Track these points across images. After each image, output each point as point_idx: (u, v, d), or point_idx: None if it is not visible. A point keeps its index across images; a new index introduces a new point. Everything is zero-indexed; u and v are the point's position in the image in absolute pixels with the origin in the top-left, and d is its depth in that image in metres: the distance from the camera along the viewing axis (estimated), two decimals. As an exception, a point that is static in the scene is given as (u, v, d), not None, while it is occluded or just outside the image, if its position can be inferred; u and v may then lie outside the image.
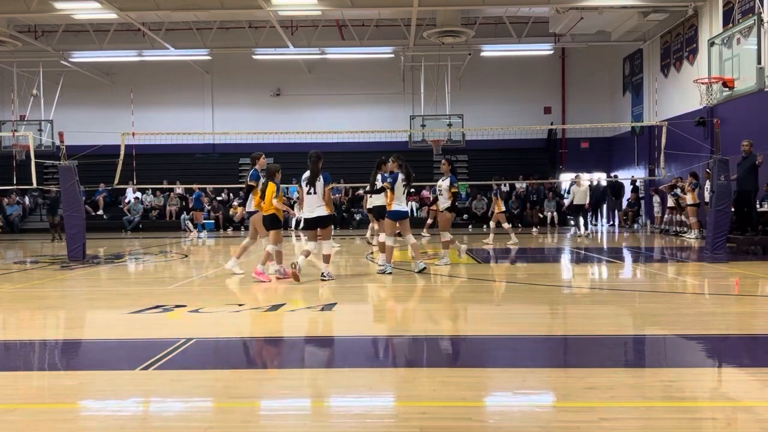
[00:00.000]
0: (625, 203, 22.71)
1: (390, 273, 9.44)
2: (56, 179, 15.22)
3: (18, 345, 5.53)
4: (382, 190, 9.71)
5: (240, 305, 6.94)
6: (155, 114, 25.87)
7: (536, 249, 14.94)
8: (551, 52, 24.10)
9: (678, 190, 17.69)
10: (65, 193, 12.07)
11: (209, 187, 23.66)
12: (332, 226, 9.31)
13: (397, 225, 9.65)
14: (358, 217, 21.94)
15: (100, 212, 24.18)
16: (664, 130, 13.95)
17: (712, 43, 12.96)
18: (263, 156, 9.80)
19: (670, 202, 18.11)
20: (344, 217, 22.38)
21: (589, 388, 3.89)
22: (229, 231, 22.75)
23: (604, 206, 24.41)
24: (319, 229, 9.01)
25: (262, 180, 9.42)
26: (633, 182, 22.31)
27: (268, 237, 9.15)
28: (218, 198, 24.34)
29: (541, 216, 23.19)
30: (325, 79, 26.34)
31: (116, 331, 5.77)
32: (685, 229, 17.05)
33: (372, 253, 12.58)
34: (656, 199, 19.99)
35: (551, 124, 25.22)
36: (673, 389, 3.88)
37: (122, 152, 13.89)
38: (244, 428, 3.38)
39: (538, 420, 3.42)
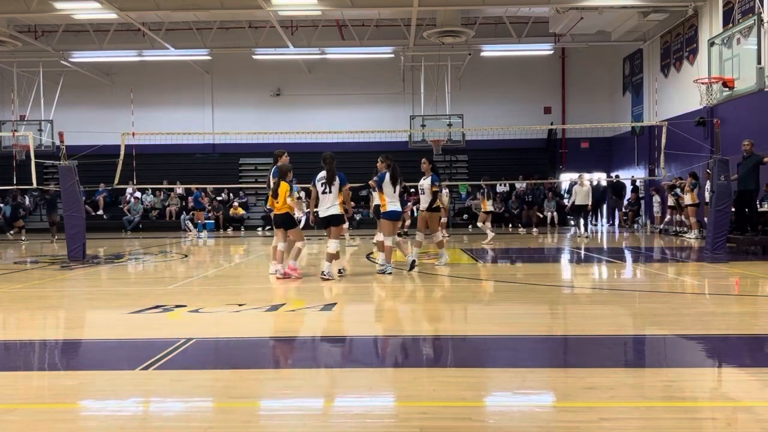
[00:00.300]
0: (625, 203, 22.71)
1: (390, 273, 9.44)
2: (56, 179, 15.22)
3: (18, 345, 5.53)
4: (366, 187, 9.76)
5: (240, 305, 6.93)
6: (155, 114, 25.87)
7: (536, 249, 14.95)
8: (551, 52, 24.10)
9: (678, 190, 17.69)
10: (65, 193, 12.07)
11: (209, 187, 23.66)
12: (342, 226, 9.51)
13: (396, 225, 9.67)
14: (358, 216, 21.95)
15: (100, 212, 24.18)
16: (664, 130, 13.95)
17: (712, 43, 12.96)
18: (286, 153, 9.76)
19: (670, 202, 18.11)
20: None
21: (589, 388, 3.89)
22: (230, 231, 22.75)
23: (605, 206, 24.41)
24: (331, 227, 9.23)
25: (274, 180, 9.49)
26: (633, 182, 22.31)
27: (292, 236, 9.30)
28: (218, 198, 24.34)
29: (540, 216, 23.18)
30: (325, 79, 26.34)
31: (116, 331, 5.77)
32: (685, 229, 17.05)
33: (372, 253, 12.58)
34: (656, 199, 19.98)
35: (551, 124, 25.23)
36: (673, 389, 3.88)
37: (122, 152, 13.89)
38: (244, 428, 3.38)
39: (538, 420, 3.42)
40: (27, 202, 22.17)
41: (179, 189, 24.21)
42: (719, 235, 11.46)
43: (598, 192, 22.02)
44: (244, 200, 24.48)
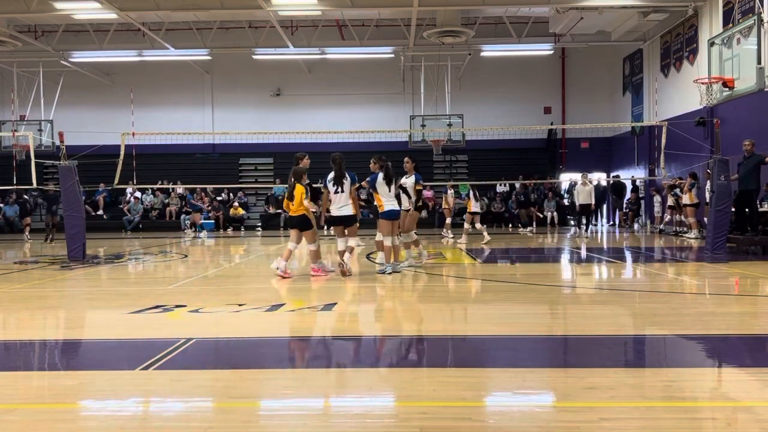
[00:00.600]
0: (625, 203, 22.72)
1: (390, 273, 9.45)
2: (56, 179, 15.22)
3: (18, 345, 5.53)
4: (360, 188, 9.79)
5: (240, 305, 6.93)
6: (155, 114, 25.87)
7: (536, 249, 14.95)
8: (551, 52, 24.10)
9: (678, 190, 17.70)
10: (65, 193, 12.07)
11: (209, 187, 23.66)
12: (357, 224, 9.66)
13: (395, 224, 9.68)
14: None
15: (100, 212, 24.17)
16: (664, 130, 13.95)
17: (712, 43, 12.96)
18: (306, 156, 9.79)
19: (670, 202, 18.11)
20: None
21: (589, 388, 3.89)
22: (229, 231, 22.75)
23: (605, 206, 24.42)
24: (345, 227, 9.43)
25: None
26: (633, 182, 22.32)
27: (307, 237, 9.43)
28: (218, 198, 24.35)
29: (540, 216, 23.19)
30: (325, 79, 26.34)
31: (116, 331, 5.77)
32: (685, 229, 17.05)
33: (372, 253, 12.59)
34: (656, 199, 19.99)
35: (551, 124, 25.23)
36: (673, 389, 3.88)
37: (122, 152, 13.89)
38: (244, 428, 3.38)
39: (538, 420, 3.42)
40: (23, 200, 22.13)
41: (179, 189, 24.21)
42: (719, 235, 11.46)
43: (598, 192, 22.04)
44: (244, 200, 24.49)
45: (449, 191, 17.93)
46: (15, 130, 21.73)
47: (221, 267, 11.68)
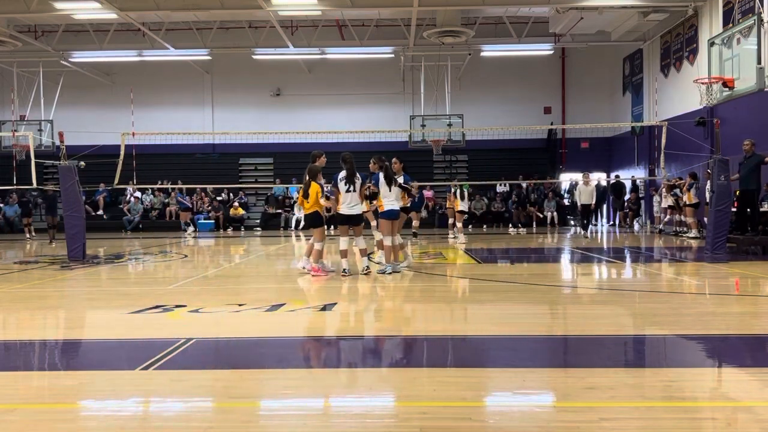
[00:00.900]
0: (625, 203, 22.71)
1: (390, 273, 9.45)
2: (56, 179, 15.21)
3: (18, 345, 5.53)
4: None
5: (240, 305, 6.93)
6: (155, 114, 25.87)
7: (536, 249, 14.95)
8: (551, 52, 24.10)
9: (678, 190, 17.70)
10: (65, 193, 12.06)
11: (209, 187, 23.66)
12: (363, 224, 9.79)
13: (395, 224, 9.69)
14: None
15: (100, 212, 24.17)
16: (664, 130, 13.95)
17: (712, 43, 12.96)
18: (324, 155, 9.81)
19: (670, 202, 18.11)
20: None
21: (589, 388, 3.89)
22: (229, 231, 22.75)
23: (604, 206, 24.41)
24: (354, 226, 9.55)
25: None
26: (633, 182, 22.32)
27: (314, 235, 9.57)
28: (218, 198, 24.35)
29: (540, 216, 23.19)
30: (325, 79, 26.34)
31: (116, 331, 5.77)
32: (685, 229, 17.05)
33: (372, 252, 12.58)
34: (657, 199, 19.98)
35: (551, 124, 25.23)
36: (673, 389, 3.88)
37: (122, 152, 13.89)
38: (244, 428, 3.38)
39: (538, 420, 3.42)
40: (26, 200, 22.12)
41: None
42: (719, 235, 11.47)
43: (598, 192, 22.03)
44: (244, 200, 24.49)
45: (454, 190, 17.86)
46: (15, 130, 21.73)
47: (221, 267, 11.68)
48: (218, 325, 6.01)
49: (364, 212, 9.71)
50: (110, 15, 18.69)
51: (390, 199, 9.58)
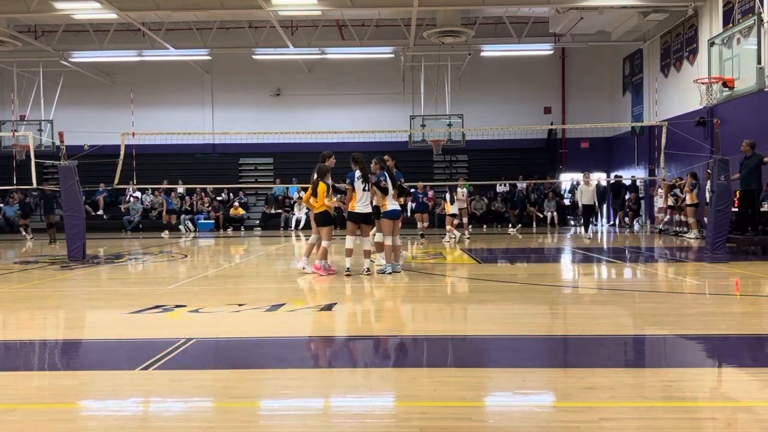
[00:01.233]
0: (625, 203, 22.70)
1: (390, 273, 9.45)
2: (56, 179, 15.20)
3: (18, 345, 5.53)
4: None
5: (240, 305, 6.94)
6: (155, 114, 25.86)
7: (536, 249, 14.95)
8: (551, 52, 24.10)
9: (678, 190, 17.69)
10: (65, 193, 12.06)
11: (209, 187, 23.66)
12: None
13: (396, 224, 9.71)
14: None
15: (100, 212, 24.16)
16: (664, 130, 13.96)
17: (712, 43, 12.96)
18: (333, 156, 9.85)
19: (670, 202, 18.11)
20: (344, 217, 22.34)
21: (589, 388, 3.89)
22: (229, 231, 22.75)
23: (604, 206, 24.40)
24: (363, 225, 9.54)
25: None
26: (633, 182, 22.32)
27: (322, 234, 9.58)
28: (218, 198, 24.34)
29: (540, 216, 23.18)
30: (325, 79, 26.33)
31: (116, 331, 5.77)
32: (685, 229, 17.05)
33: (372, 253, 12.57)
34: (657, 199, 19.97)
35: (551, 124, 25.23)
36: (673, 389, 3.88)
37: (122, 152, 13.89)
38: (244, 428, 3.38)
39: (538, 420, 3.42)
40: (28, 200, 22.13)
41: (180, 189, 24.19)
42: (719, 235, 11.46)
43: (598, 192, 22.03)
44: (244, 200, 24.49)
45: (459, 190, 17.87)
46: (15, 130, 21.73)
47: (221, 267, 11.68)
48: (218, 325, 6.01)
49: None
50: (110, 15, 18.69)
51: (391, 199, 9.62)
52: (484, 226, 22.43)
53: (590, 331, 5.52)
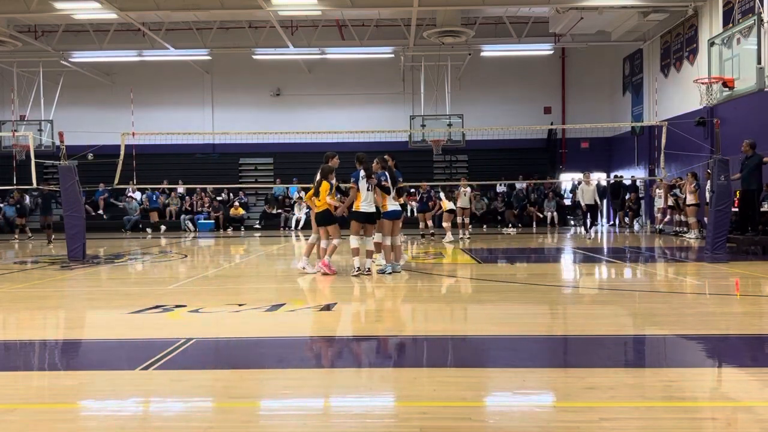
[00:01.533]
0: (625, 203, 22.70)
1: (390, 273, 9.45)
2: (56, 179, 15.19)
3: (18, 345, 5.53)
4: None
5: (240, 305, 6.94)
6: (155, 114, 25.86)
7: (536, 249, 14.95)
8: (551, 52, 24.10)
9: (677, 190, 17.69)
10: (65, 193, 12.07)
11: (209, 187, 23.65)
12: (376, 224, 9.77)
13: (396, 224, 9.72)
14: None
15: (100, 212, 24.14)
16: (664, 130, 13.95)
17: (712, 43, 12.96)
18: (336, 156, 9.86)
19: (670, 202, 18.11)
20: (344, 216, 22.34)
21: (589, 388, 3.89)
22: (229, 231, 22.74)
23: (604, 206, 24.39)
24: (368, 225, 9.49)
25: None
26: (633, 182, 22.32)
27: (328, 232, 9.59)
28: (218, 198, 24.34)
29: (540, 216, 23.18)
30: (325, 79, 26.33)
31: (116, 331, 5.77)
32: (685, 229, 17.05)
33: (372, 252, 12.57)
34: (656, 199, 19.96)
35: (551, 124, 25.23)
36: (673, 389, 3.88)
37: (122, 152, 13.89)
38: (244, 428, 3.38)
39: (538, 420, 3.42)
40: (27, 200, 22.11)
41: (180, 189, 24.20)
42: (719, 235, 11.46)
43: (598, 191, 22.02)
44: (244, 200, 24.49)
45: (462, 189, 17.88)
46: (15, 130, 21.72)
47: (221, 267, 11.68)
48: (218, 325, 6.01)
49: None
50: (110, 15, 18.69)
51: (391, 200, 9.62)
52: (484, 226, 22.43)
53: (590, 331, 5.52)
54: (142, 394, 3.98)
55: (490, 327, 5.83)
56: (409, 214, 18.66)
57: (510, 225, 21.91)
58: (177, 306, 6.85)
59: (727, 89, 12.25)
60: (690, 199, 16.42)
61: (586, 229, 17.48)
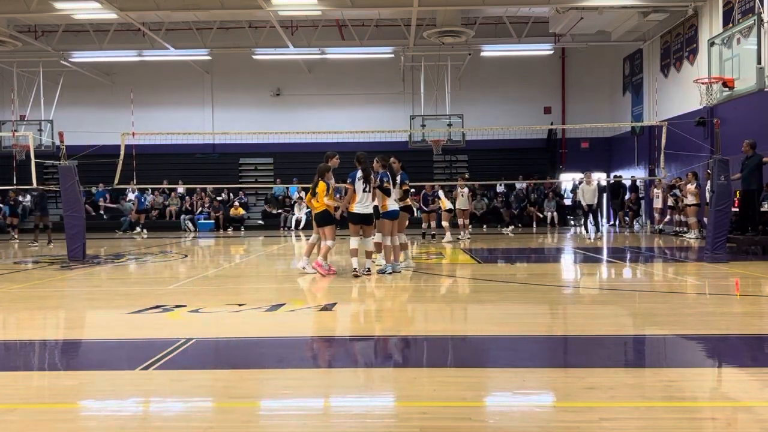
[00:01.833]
0: (625, 203, 22.70)
1: (390, 273, 9.45)
2: (56, 179, 15.16)
3: (18, 345, 5.53)
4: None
5: (240, 305, 6.94)
6: (155, 114, 25.86)
7: (536, 249, 14.94)
8: (551, 52, 24.10)
9: (677, 190, 17.68)
10: (65, 193, 12.07)
11: (209, 187, 23.66)
12: (374, 224, 9.73)
13: (395, 224, 9.71)
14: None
15: (101, 212, 24.13)
16: (664, 130, 13.95)
17: (712, 43, 12.95)
18: (337, 156, 9.83)
19: (670, 202, 18.10)
20: (344, 217, 22.34)
21: (589, 388, 3.89)
22: (230, 231, 22.74)
23: (604, 206, 24.40)
24: (365, 226, 9.45)
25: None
26: (633, 182, 22.32)
27: (325, 233, 9.53)
28: (218, 198, 24.35)
29: (540, 216, 23.18)
30: (325, 79, 26.33)
31: (116, 331, 5.77)
32: (685, 229, 17.05)
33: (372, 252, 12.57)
34: (655, 199, 19.96)
35: (551, 124, 25.23)
36: (673, 389, 3.88)
37: (122, 152, 13.89)
38: (244, 428, 3.38)
39: (538, 420, 3.42)
40: (28, 200, 22.07)
41: (180, 189, 24.20)
42: (719, 235, 11.45)
43: (600, 191, 22.02)
44: (244, 200, 24.49)
45: (459, 190, 17.88)
46: (15, 130, 21.72)
47: (221, 267, 11.68)
48: (218, 325, 6.01)
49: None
50: (110, 15, 18.69)
51: (391, 200, 9.60)
52: (484, 226, 22.43)
53: (590, 331, 5.52)
54: (142, 394, 3.98)
55: (490, 327, 5.83)
56: (416, 214, 18.64)
57: (509, 225, 21.88)
58: (177, 306, 6.86)
59: (727, 89, 12.25)
60: (690, 199, 16.42)
61: (586, 230, 17.44)
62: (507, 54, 23.96)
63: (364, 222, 9.41)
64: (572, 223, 23.87)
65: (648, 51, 21.75)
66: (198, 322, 6.10)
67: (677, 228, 17.75)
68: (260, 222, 23.66)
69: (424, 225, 17.55)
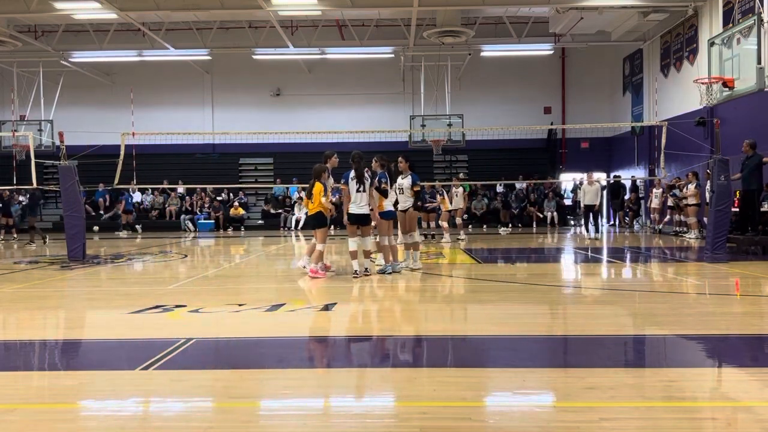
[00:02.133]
0: (625, 203, 22.70)
1: (390, 273, 9.45)
2: (56, 179, 15.16)
3: (18, 345, 5.53)
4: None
5: (240, 305, 6.94)
6: (155, 114, 25.86)
7: (536, 249, 14.94)
8: (551, 52, 24.10)
9: (677, 191, 17.68)
10: (65, 193, 12.07)
11: (209, 187, 23.66)
12: (372, 225, 9.66)
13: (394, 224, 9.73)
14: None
15: (101, 212, 24.12)
16: (664, 130, 13.95)
17: (712, 43, 12.95)
18: (335, 155, 9.79)
19: (669, 202, 18.10)
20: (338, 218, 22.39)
21: (589, 388, 3.89)
22: (230, 231, 22.74)
23: (604, 206, 24.39)
24: (362, 226, 9.40)
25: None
26: (633, 182, 22.32)
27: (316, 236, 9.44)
28: (218, 198, 24.35)
29: (540, 216, 23.18)
30: (325, 79, 26.33)
31: (116, 331, 5.77)
32: (685, 229, 17.05)
33: (372, 252, 12.56)
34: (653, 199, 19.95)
35: (551, 124, 25.23)
36: (673, 389, 3.88)
37: (122, 152, 13.89)
38: (244, 428, 3.38)
39: (538, 420, 3.42)
40: (22, 200, 22.02)
41: (180, 189, 24.19)
42: (719, 235, 11.45)
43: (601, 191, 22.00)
44: (244, 200, 24.49)
45: (454, 189, 17.88)
46: (15, 130, 21.71)
47: (221, 267, 11.68)
48: (218, 325, 6.01)
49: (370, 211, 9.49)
50: (110, 15, 18.69)
51: (390, 200, 9.60)
52: (484, 226, 22.43)
53: (590, 331, 5.52)
54: (142, 394, 3.98)
55: (490, 327, 5.83)
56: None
57: (508, 225, 21.88)
58: (177, 306, 6.86)
59: (727, 89, 12.25)
60: (690, 199, 16.42)
61: (587, 230, 17.40)
62: (507, 54, 23.96)
63: (361, 222, 9.34)
64: (572, 223, 23.87)
65: (648, 51, 21.74)
66: (198, 322, 6.10)
67: (677, 228, 17.75)
68: (260, 222, 23.72)
69: (423, 225, 17.55)
